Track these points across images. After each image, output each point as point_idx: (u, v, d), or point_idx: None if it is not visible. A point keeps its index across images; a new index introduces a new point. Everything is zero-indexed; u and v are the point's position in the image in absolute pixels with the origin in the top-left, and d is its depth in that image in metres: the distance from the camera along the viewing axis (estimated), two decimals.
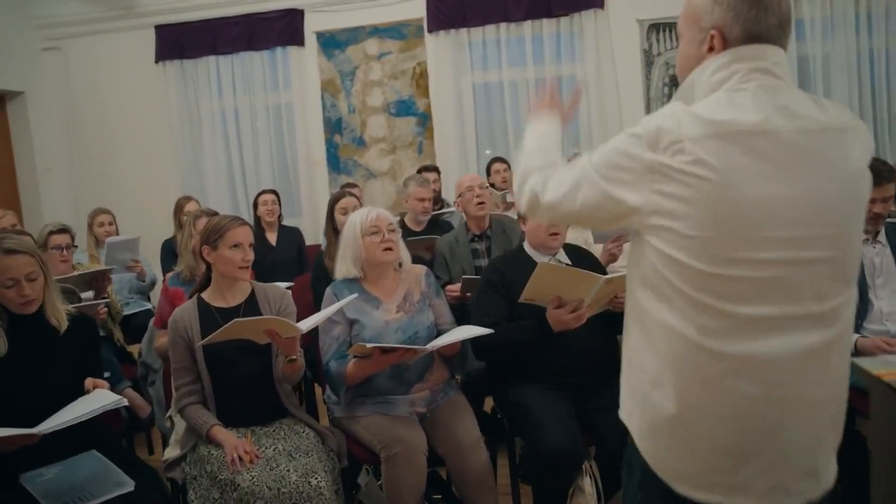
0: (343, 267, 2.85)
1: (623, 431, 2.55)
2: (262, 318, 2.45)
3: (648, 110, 6.33)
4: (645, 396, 1.50)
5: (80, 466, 2.30)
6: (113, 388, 3.62)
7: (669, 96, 6.31)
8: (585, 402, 2.70)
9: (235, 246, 2.56)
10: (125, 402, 2.17)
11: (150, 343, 3.60)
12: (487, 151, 6.61)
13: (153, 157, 6.85)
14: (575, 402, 2.70)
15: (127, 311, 4.60)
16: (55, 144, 6.91)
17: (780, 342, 1.36)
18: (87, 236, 5.03)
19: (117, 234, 5.07)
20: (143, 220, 6.13)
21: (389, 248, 2.79)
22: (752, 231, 1.34)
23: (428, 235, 4.26)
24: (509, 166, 5.75)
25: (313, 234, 6.47)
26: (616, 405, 2.66)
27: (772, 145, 1.34)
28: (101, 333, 3.98)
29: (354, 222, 2.83)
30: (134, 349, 4.41)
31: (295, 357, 2.47)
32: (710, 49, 1.45)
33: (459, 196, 3.80)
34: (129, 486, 2.20)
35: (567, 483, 2.60)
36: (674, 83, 6.30)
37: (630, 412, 1.59)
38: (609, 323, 2.75)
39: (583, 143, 6.44)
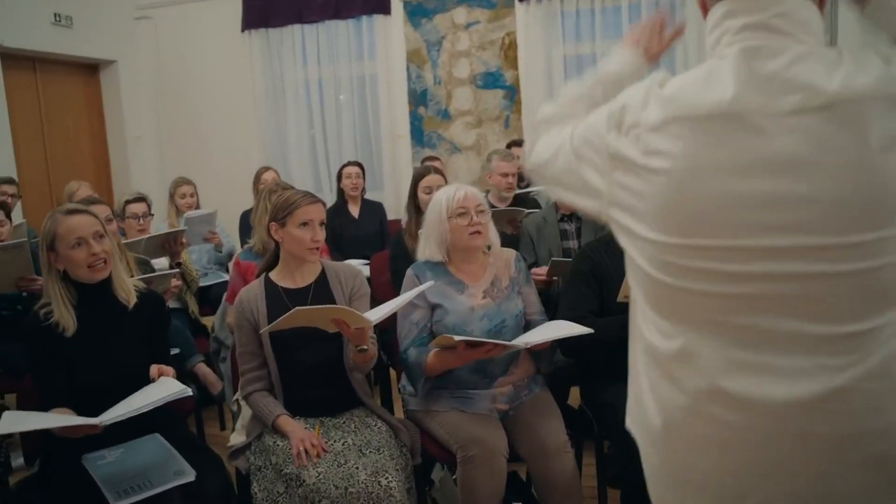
0: (427, 249, 2.64)
1: None
2: (326, 306, 2.26)
3: None
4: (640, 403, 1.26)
5: (142, 450, 2.19)
6: (185, 363, 3.63)
7: None
8: None
9: (304, 224, 2.38)
10: (189, 392, 2.03)
11: (223, 318, 3.50)
12: None
13: (237, 127, 6.82)
14: None
15: (204, 283, 4.54)
16: (144, 113, 6.96)
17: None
18: (168, 206, 5.00)
19: (198, 205, 5.02)
20: (224, 191, 6.11)
21: (478, 232, 2.56)
22: (715, 237, 1.06)
23: (509, 208, 4.01)
24: None
25: (395, 209, 6.33)
26: None
27: (743, 130, 1.03)
28: (176, 305, 3.93)
29: (440, 202, 2.60)
30: (209, 321, 4.36)
31: (366, 347, 2.28)
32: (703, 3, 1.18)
33: None
34: (189, 475, 2.07)
35: None
36: None
37: (631, 421, 1.33)
38: None
39: None
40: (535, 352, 2.57)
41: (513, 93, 6.40)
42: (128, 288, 2.35)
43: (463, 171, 6.48)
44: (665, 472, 1.22)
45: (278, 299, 2.42)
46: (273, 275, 2.50)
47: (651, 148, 1.09)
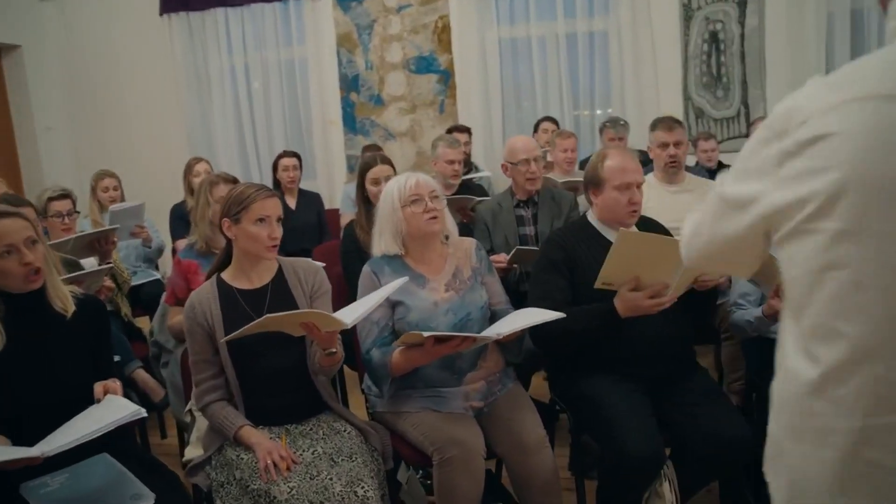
0: (381, 243, 2.50)
1: (708, 435, 2.26)
2: (299, 311, 2.08)
3: (686, 69, 5.92)
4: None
5: (90, 474, 1.98)
6: (123, 369, 3.39)
7: (709, 54, 5.90)
8: (661, 397, 2.37)
9: (261, 220, 2.20)
10: (144, 413, 1.84)
11: (162, 321, 3.27)
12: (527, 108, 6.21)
13: (159, 117, 6.48)
14: (650, 396, 2.37)
15: (136, 281, 4.27)
16: (55, 102, 6.53)
17: None
18: (90, 202, 4.68)
19: (122, 198, 4.72)
20: (149, 183, 5.80)
21: (434, 217, 2.44)
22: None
23: (459, 196, 3.89)
24: (558, 125, 5.36)
25: (329, 198, 6.14)
26: (695, 401, 2.37)
27: None
28: (108, 307, 3.66)
29: (391, 192, 2.47)
30: (144, 323, 4.11)
31: (335, 350, 2.13)
32: None
33: (512, 163, 3.41)
34: (148, 499, 1.89)
35: (643, 488, 2.29)
36: (714, 39, 5.89)
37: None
38: (689, 304, 2.40)
39: (614, 102, 6.06)
40: (504, 343, 2.48)
41: (447, 77, 6.28)
42: (64, 295, 2.13)
43: (398, 157, 6.30)
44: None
45: (234, 302, 2.24)
46: (226, 275, 2.31)
47: (820, 132, 1.04)
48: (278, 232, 2.24)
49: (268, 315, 1.96)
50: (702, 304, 2.50)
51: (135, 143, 6.47)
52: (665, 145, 3.40)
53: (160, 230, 4.92)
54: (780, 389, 1.17)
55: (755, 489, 2.50)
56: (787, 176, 1.09)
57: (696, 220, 1.29)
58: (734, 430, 2.25)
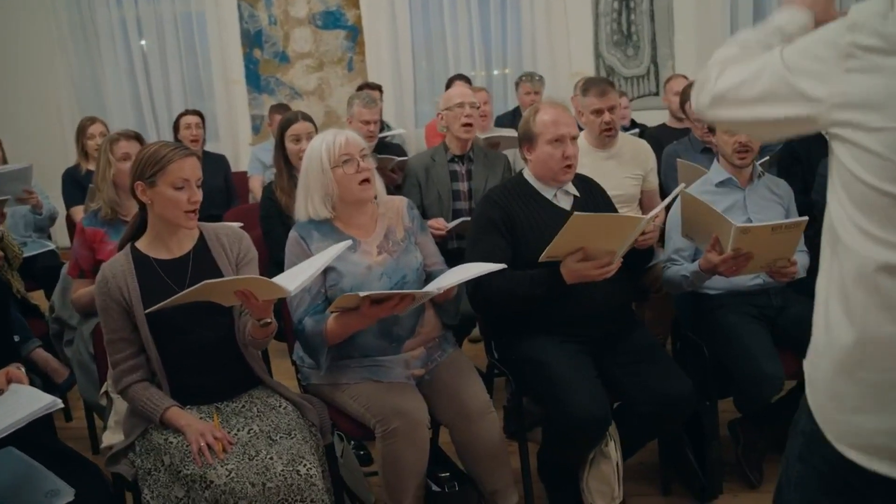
0: (309, 206, 2.33)
1: (652, 393, 2.25)
2: (240, 277, 1.90)
3: (597, 27, 5.93)
4: (829, 329, 1.19)
5: None
6: (21, 349, 3.10)
7: (619, 12, 5.92)
8: (604, 357, 2.35)
9: (179, 186, 2.00)
10: (60, 405, 1.64)
11: (64, 295, 3.00)
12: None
13: (42, 75, 5.98)
14: (593, 356, 2.34)
15: (28, 252, 3.92)
16: None
17: None
18: None
19: (4, 161, 4.30)
20: (35, 146, 5.36)
21: (366, 181, 2.30)
22: None
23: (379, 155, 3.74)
24: (471, 83, 5.21)
25: (233, 160, 5.85)
26: (638, 359, 2.36)
27: None
28: None
29: (318, 151, 2.29)
30: (39, 298, 3.78)
31: (269, 320, 1.98)
32: None
33: (446, 110, 3.28)
34: (67, 494, 1.70)
35: (589, 448, 2.27)
36: None
37: (813, 358, 1.24)
38: (628, 262, 2.37)
39: (525, 61, 6.01)
40: (440, 304, 2.38)
41: (355, 33, 6.07)
42: None
43: None
44: (868, 395, 1.14)
45: (152, 273, 2.04)
46: (141, 244, 2.10)
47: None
48: (198, 196, 2.04)
49: (206, 281, 1.78)
50: (640, 262, 2.48)
51: (16, 104, 5.96)
52: (599, 112, 3.23)
53: (51, 197, 4.54)
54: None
55: (694, 445, 2.52)
56: (854, 81, 1.08)
57: (744, 74, 1.23)
58: (677, 387, 2.25)
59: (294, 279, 1.84)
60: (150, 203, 2.04)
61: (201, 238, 2.16)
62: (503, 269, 2.18)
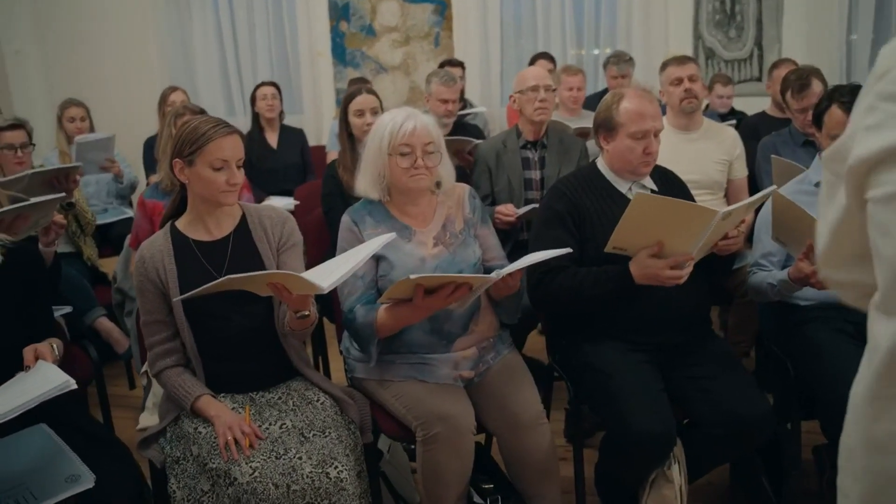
0: (363, 184, 2.20)
1: (725, 413, 2.03)
2: (265, 272, 1.78)
3: (698, 5, 5.54)
4: None
5: (20, 450, 1.72)
6: (83, 317, 3.13)
7: None
8: (674, 368, 2.13)
9: (218, 167, 1.88)
10: (73, 385, 1.58)
11: (126, 266, 3.00)
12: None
13: (134, 43, 6.07)
14: (660, 367, 2.13)
15: (105, 219, 3.98)
16: (23, 23, 6.10)
17: None
18: (56, 133, 4.34)
19: (91, 130, 4.37)
20: (123, 114, 5.46)
21: (422, 176, 2.13)
22: None
23: (457, 137, 3.58)
24: (555, 63, 4.99)
25: (315, 135, 5.82)
26: (711, 373, 2.13)
27: None
28: (68, 248, 3.38)
29: (382, 132, 2.12)
30: (110, 266, 3.83)
31: (307, 312, 1.86)
32: None
33: (520, 92, 3.11)
34: (85, 481, 1.64)
35: (650, 469, 2.07)
36: None
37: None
38: (705, 267, 2.14)
39: (619, 41, 5.70)
40: (499, 301, 2.21)
41: (443, 7, 5.90)
42: None
43: (389, 93, 5.97)
44: None
45: (190, 255, 1.95)
46: (181, 224, 2.02)
47: None
48: (239, 177, 1.92)
49: (228, 276, 1.68)
50: (721, 269, 2.24)
51: (108, 71, 6.07)
52: (679, 81, 3.05)
53: (133, 166, 4.60)
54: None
55: (770, 471, 2.28)
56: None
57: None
58: (752, 408, 2.01)
59: (329, 275, 1.70)
60: (189, 182, 1.94)
61: (243, 219, 2.06)
62: (568, 265, 1.99)
